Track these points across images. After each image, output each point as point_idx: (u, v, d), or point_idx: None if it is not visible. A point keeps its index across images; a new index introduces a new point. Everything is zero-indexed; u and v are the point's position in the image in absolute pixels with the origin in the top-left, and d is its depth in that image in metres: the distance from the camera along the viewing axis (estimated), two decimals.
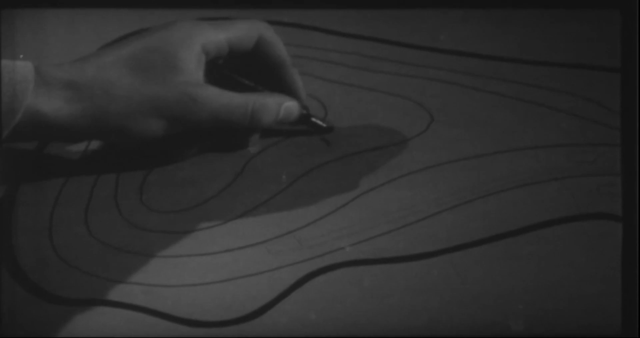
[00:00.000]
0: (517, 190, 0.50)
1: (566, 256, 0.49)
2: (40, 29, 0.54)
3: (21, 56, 0.52)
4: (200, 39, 0.46)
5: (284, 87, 0.50)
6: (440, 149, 0.51)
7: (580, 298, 0.49)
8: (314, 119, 0.51)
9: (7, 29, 0.53)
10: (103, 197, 0.50)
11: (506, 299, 0.48)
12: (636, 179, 0.51)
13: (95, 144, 0.52)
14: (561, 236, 0.50)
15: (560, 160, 0.51)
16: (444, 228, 0.50)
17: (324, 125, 0.52)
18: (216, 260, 0.49)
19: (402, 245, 0.49)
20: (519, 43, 0.53)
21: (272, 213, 0.50)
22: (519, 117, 0.52)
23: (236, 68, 0.49)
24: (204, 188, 0.50)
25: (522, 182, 0.51)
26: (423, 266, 0.49)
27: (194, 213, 0.50)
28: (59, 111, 0.44)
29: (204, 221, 0.50)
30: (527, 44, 0.53)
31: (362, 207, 0.50)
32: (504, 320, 0.48)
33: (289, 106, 0.49)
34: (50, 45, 0.53)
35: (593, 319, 0.49)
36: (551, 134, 0.52)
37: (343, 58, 0.53)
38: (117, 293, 0.48)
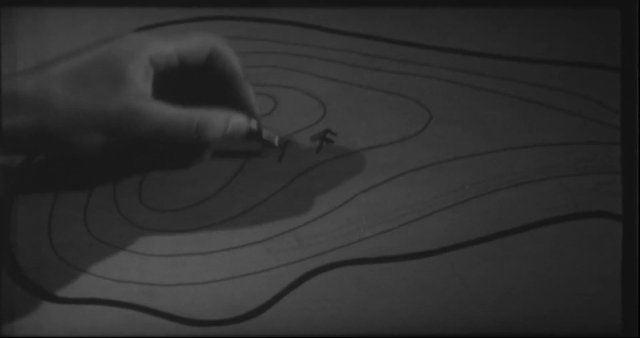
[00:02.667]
0: (515, 189, 0.50)
1: (565, 255, 0.49)
2: (40, 27, 0.53)
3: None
4: (149, 51, 0.45)
5: (236, 101, 0.49)
6: (439, 148, 0.51)
7: (580, 297, 0.49)
8: (265, 136, 0.50)
9: (6, 27, 0.53)
10: (102, 196, 0.50)
11: (505, 298, 0.48)
12: (636, 178, 0.50)
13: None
14: (560, 235, 0.49)
15: (559, 159, 0.51)
16: (442, 226, 0.50)
17: (276, 143, 0.50)
18: (215, 259, 0.49)
19: (400, 243, 0.49)
20: (518, 41, 0.53)
21: (271, 212, 0.50)
22: (517, 115, 0.52)
23: (188, 81, 0.48)
24: (203, 187, 0.50)
25: (521, 180, 0.50)
26: (421, 265, 0.49)
27: (193, 212, 0.50)
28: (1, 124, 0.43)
29: (203, 220, 0.50)
30: (526, 42, 0.53)
31: (360, 206, 0.50)
32: (503, 319, 0.48)
33: (237, 121, 0.48)
34: (50, 43, 0.53)
35: (593, 319, 0.49)
36: (550, 133, 0.51)
37: (342, 56, 0.53)
38: (117, 292, 0.48)
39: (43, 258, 0.49)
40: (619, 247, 0.50)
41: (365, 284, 0.49)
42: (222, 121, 0.47)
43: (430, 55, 0.53)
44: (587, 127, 0.52)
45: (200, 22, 0.54)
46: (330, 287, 0.49)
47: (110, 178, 0.51)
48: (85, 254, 0.49)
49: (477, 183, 0.50)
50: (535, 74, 0.52)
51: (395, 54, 0.53)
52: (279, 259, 0.49)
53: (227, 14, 0.54)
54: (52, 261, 0.49)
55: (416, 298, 0.48)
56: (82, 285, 0.49)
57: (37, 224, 0.50)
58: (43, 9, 0.53)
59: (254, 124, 0.49)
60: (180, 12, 0.54)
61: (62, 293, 0.48)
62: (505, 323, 0.48)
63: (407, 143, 0.51)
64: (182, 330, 0.48)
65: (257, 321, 0.48)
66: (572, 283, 0.49)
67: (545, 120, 0.52)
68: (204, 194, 0.50)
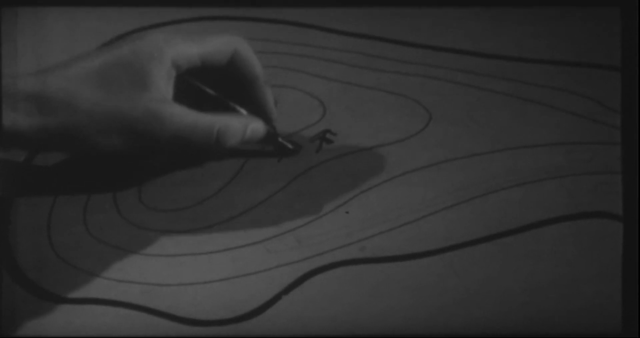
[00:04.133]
0: (515, 189, 0.50)
1: (565, 255, 0.49)
2: (41, 27, 0.54)
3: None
4: (172, 53, 0.45)
5: (255, 104, 0.49)
6: (439, 148, 0.51)
7: (580, 297, 0.49)
8: (280, 140, 0.50)
9: (7, 27, 0.53)
10: (102, 196, 0.50)
11: (505, 298, 0.48)
12: (636, 178, 0.50)
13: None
14: (560, 235, 0.49)
15: (559, 159, 0.51)
16: (442, 226, 0.50)
17: (290, 146, 0.51)
18: (215, 259, 0.49)
19: (400, 243, 0.49)
20: (518, 41, 0.53)
21: (271, 212, 0.50)
22: (517, 115, 0.52)
23: (208, 82, 0.48)
24: (203, 187, 0.50)
25: (521, 181, 0.50)
26: (421, 265, 0.49)
27: (193, 212, 0.50)
28: (19, 123, 0.43)
29: (202, 220, 0.50)
30: (526, 42, 0.53)
31: (360, 206, 0.50)
32: (502, 319, 0.48)
33: (256, 127, 0.48)
34: (51, 43, 0.53)
35: (593, 319, 0.49)
36: (550, 133, 0.51)
37: (342, 56, 0.53)
38: (116, 292, 0.48)
39: (43, 258, 0.49)
40: (619, 247, 0.49)
41: (365, 284, 0.49)
42: (242, 127, 0.47)
43: (430, 55, 0.53)
44: (587, 127, 0.52)
45: (201, 21, 0.54)
46: (330, 287, 0.49)
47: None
48: (84, 254, 0.49)
49: (477, 183, 0.50)
50: (535, 73, 0.52)
51: (395, 54, 0.53)
52: (278, 259, 0.49)
53: (227, 14, 0.54)
54: (52, 261, 0.49)
55: (416, 298, 0.48)
56: (82, 285, 0.49)
57: (37, 224, 0.50)
58: (44, 9, 0.54)
59: (270, 128, 0.49)
60: (181, 12, 0.54)
61: (62, 293, 0.48)
62: (505, 323, 0.48)
63: (407, 143, 0.51)
64: (182, 330, 0.48)
65: (257, 321, 0.48)
66: (572, 283, 0.49)
67: (545, 120, 0.52)
68: (203, 195, 0.50)
